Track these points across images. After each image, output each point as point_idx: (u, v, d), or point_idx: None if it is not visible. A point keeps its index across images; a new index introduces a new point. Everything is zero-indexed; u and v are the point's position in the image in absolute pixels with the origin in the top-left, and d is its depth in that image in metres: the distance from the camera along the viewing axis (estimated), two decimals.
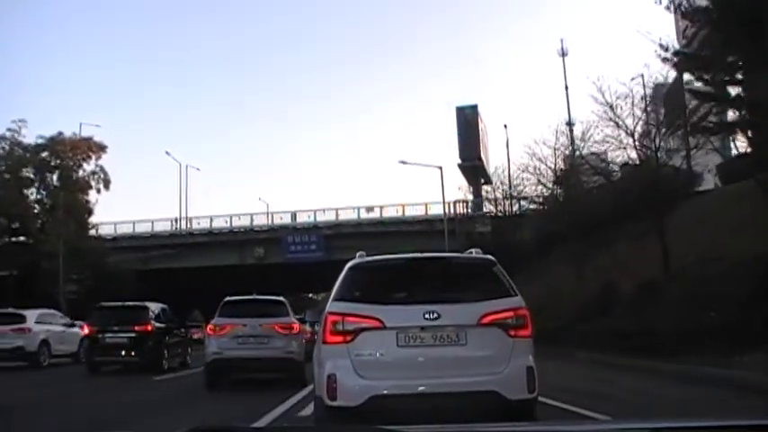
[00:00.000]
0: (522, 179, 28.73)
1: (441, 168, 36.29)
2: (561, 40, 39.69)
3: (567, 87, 37.55)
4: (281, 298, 13.32)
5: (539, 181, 25.98)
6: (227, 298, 12.57)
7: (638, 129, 19.31)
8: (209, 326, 12.26)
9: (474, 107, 44.08)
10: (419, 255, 6.13)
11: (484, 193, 39.68)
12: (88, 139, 34.36)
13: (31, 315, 18.71)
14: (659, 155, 19.64)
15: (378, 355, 5.29)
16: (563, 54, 40.61)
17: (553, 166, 25.10)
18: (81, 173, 34.93)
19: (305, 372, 11.14)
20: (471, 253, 6.10)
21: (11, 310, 19.37)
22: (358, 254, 5.98)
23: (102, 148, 34.95)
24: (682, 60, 20.05)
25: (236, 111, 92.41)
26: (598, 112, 19.98)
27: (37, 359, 17.84)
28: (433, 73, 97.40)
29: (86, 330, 17.07)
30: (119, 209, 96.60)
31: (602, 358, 14.50)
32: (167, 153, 47.79)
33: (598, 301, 19.75)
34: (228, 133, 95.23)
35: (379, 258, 5.98)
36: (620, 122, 19.10)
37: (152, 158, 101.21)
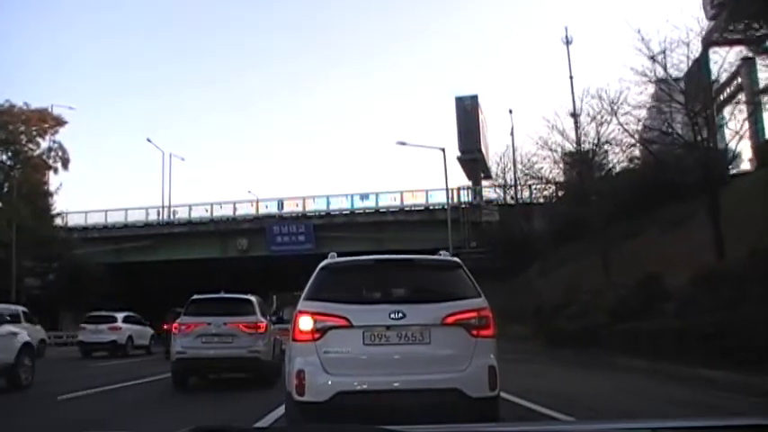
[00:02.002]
0: (541, 157, 25.40)
1: (443, 150, 33.16)
2: (566, 28, 37.39)
3: (571, 77, 35.03)
4: (250, 296, 12.97)
5: (562, 159, 22.70)
6: (194, 296, 12.61)
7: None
8: (174, 325, 12.37)
9: (474, 97, 42.19)
10: (387, 256, 6.31)
11: (491, 181, 36.65)
12: (42, 111, 30.35)
13: (120, 316, 24.17)
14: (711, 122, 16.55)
15: (345, 352, 5.41)
16: (567, 42, 38.16)
17: (576, 142, 21.76)
18: (37, 150, 30.97)
19: (273, 372, 11.36)
20: (440, 254, 6.32)
21: (104, 312, 24.42)
22: (330, 254, 6.19)
23: (59, 122, 31.00)
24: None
25: (221, 96, 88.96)
26: (640, 69, 16.78)
27: (125, 350, 23.07)
28: (432, 56, 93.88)
29: (166, 327, 20.18)
30: (97, 201, 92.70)
31: (687, 372, 11.05)
32: (149, 140, 44.62)
33: (640, 297, 16.53)
34: (212, 121, 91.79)
35: (348, 259, 6.16)
36: (669, 77, 15.91)
37: (133, 147, 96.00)
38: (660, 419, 2.49)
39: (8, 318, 13.38)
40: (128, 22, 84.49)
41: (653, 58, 16.36)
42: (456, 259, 6.08)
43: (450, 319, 5.43)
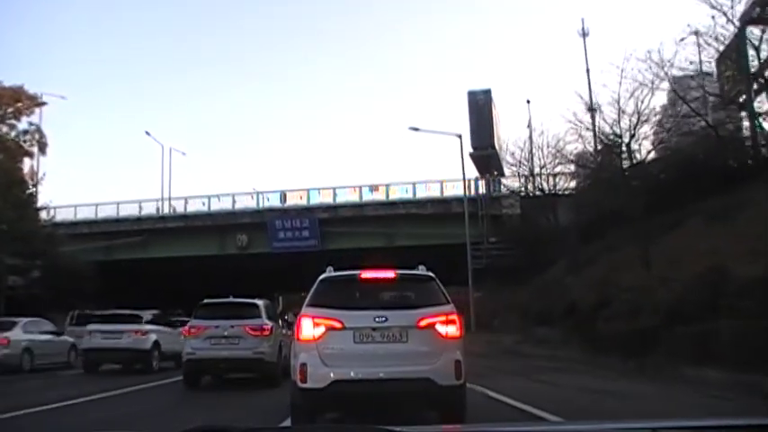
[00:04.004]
0: (573, 135, 22.81)
1: (460, 137, 30.62)
2: (582, 20, 35.27)
3: (588, 70, 33.02)
4: (257, 300, 13.76)
5: (601, 139, 20.04)
6: (204, 300, 13.53)
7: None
8: (185, 328, 13.76)
9: (487, 92, 39.73)
10: (373, 272, 7.22)
11: (507, 172, 34.13)
12: (17, 89, 27.49)
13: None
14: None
15: (339, 348, 6.54)
16: (584, 34, 36.13)
17: (616, 117, 18.98)
18: (12, 133, 28.19)
19: (277, 372, 11.95)
20: (418, 269, 7.45)
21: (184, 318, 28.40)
22: (327, 268, 7.34)
23: (36, 102, 28.21)
24: None
25: (222, 88, 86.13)
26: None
27: None
28: (445, 47, 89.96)
29: None
30: (91, 197, 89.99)
31: None
32: (147, 133, 42.22)
33: (703, 294, 13.91)
34: (213, 114, 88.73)
35: (342, 273, 7.27)
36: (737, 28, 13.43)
37: (131, 141, 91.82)
38: (660, 419, 2.31)
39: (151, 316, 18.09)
40: (125, 13, 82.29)
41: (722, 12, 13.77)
42: (430, 273, 7.20)
43: (424, 323, 6.59)
